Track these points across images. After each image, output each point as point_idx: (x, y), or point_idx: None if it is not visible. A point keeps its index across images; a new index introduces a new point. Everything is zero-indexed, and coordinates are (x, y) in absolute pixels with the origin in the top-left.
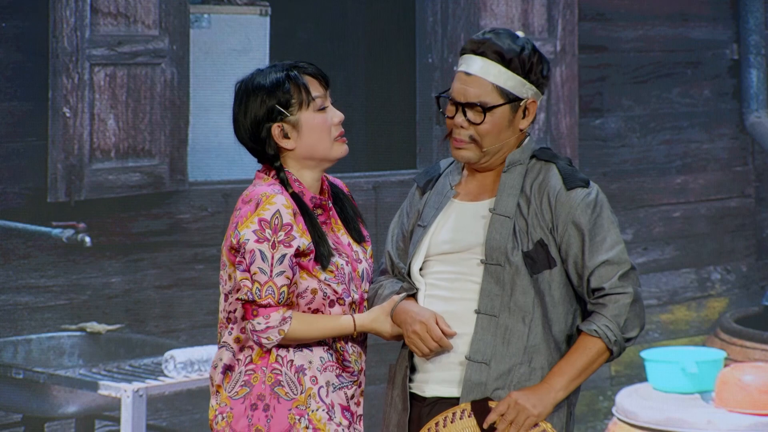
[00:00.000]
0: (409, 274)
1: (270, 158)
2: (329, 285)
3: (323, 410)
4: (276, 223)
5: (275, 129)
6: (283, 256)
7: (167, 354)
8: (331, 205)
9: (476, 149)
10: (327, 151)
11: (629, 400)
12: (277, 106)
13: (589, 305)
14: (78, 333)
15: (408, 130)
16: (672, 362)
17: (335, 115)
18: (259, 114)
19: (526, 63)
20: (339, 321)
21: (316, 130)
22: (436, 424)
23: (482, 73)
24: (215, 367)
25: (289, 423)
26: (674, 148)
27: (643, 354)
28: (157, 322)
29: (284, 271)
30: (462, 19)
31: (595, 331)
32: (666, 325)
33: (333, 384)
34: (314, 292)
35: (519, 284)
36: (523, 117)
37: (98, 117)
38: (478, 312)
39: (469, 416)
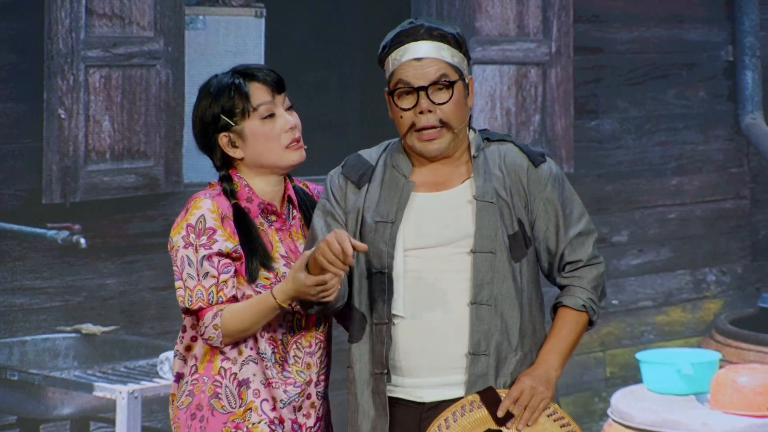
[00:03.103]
0: (389, 274)
1: (218, 167)
2: (260, 293)
3: (265, 423)
4: (200, 227)
5: (222, 138)
6: (203, 257)
7: (162, 355)
8: (294, 213)
9: (448, 134)
10: (276, 159)
11: (624, 402)
12: (222, 115)
13: (560, 279)
14: (73, 334)
15: None
16: (667, 364)
17: (287, 122)
18: (206, 120)
19: (460, 41)
20: (260, 298)
21: (262, 140)
22: (446, 420)
23: (434, 54)
24: (174, 376)
25: None
26: (669, 149)
27: (638, 355)
28: (153, 324)
29: (209, 272)
30: (457, 21)
31: (583, 305)
32: (661, 327)
33: (282, 400)
34: (250, 297)
35: (508, 270)
36: (467, 95)
37: (93, 118)
38: (473, 303)
39: (479, 407)
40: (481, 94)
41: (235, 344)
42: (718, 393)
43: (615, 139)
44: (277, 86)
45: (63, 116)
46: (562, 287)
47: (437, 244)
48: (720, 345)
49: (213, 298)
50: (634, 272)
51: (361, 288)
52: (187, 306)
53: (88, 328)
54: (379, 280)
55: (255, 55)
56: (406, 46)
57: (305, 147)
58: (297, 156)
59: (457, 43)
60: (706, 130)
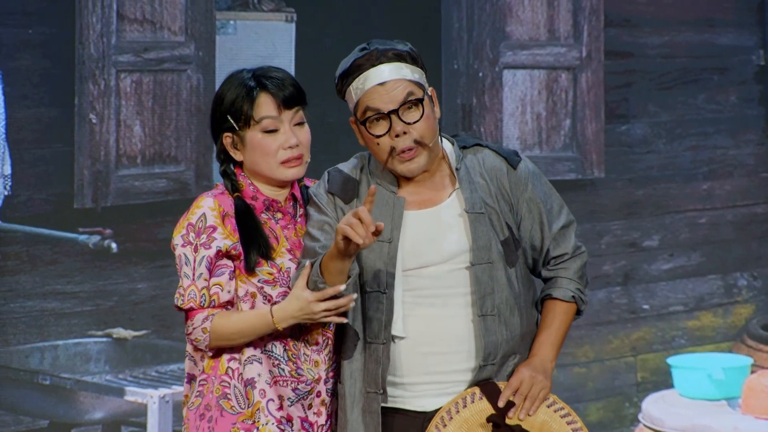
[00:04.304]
0: (388, 294)
1: (220, 160)
2: (262, 288)
3: (273, 424)
4: (200, 226)
5: (226, 139)
6: (203, 258)
7: None
8: (301, 211)
9: (425, 152)
10: (270, 173)
11: (655, 407)
12: (228, 116)
13: (545, 272)
14: (104, 339)
15: None
16: (698, 369)
17: (287, 140)
18: (216, 114)
19: (415, 55)
20: (257, 312)
21: (259, 152)
22: (447, 411)
23: (396, 75)
24: (186, 377)
25: None
26: (700, 154)
27: (670, 360)
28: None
29: (203, 273)
30: (488, 26)
31: (572, 296)
32: (692, 332)
33: (290, 398)
34: (254, 295)
35: (505, 277)
36: (433, 106)
37: (124, 123)
38: (479, 315)
39: (479, 399)
40: (511, 99)
41: None
42: (750, 398)
43: (646, 143)
44: (286, 102)
45: (94, 121)
46: (546, 279)
47: (435, 262)
48: (752, 350)
49: (205, 300)
50: (665, 277)
51: (354, 305)
52: (179, 305)
53: (119, 332)
54: (375, 300)
55: (285, 59)
56: (366, 72)
57: (307, 161)
58: (291, 173)
59: (413, 58)
60: (737, 134)
